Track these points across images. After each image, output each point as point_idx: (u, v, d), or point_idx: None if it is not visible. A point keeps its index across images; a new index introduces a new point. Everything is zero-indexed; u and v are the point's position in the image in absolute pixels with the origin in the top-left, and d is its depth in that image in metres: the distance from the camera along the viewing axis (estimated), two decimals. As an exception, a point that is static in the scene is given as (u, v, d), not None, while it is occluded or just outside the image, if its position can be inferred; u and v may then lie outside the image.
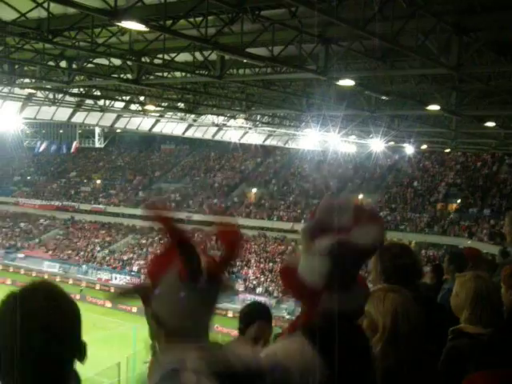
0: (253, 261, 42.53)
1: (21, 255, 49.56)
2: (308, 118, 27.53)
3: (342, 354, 1.68)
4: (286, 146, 45.19)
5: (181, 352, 1.43)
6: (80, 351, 1.38)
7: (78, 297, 33.50)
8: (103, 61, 17.62)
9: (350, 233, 1.79)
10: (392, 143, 35.18)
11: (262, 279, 39.75)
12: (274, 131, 37.43)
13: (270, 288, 38.17)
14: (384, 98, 18.69)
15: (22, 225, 56.76)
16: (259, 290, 38.65)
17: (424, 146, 39.21)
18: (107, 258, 47.30)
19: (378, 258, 2.88)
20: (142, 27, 10.87)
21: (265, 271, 40.45)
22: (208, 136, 37.38)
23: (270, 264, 40.91)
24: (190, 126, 34.42)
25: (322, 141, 36.77)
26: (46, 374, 1.33)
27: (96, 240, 51.08)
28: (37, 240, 53.23)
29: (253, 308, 3.75)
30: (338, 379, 1.68)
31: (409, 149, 38.93)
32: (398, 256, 2.95)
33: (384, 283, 2.77)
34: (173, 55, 15.62)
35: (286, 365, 1.64)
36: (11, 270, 46.30)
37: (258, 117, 30.50)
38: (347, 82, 15.30)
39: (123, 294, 1.68)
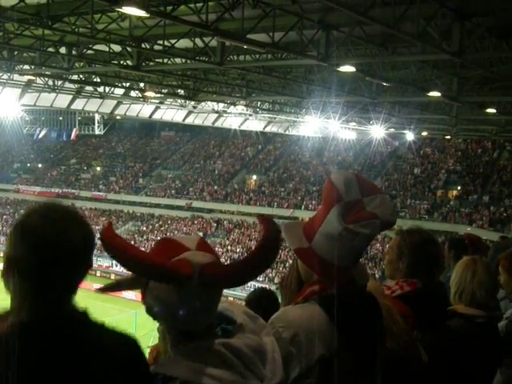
0: (253, 248, 42.62)
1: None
2: (308, 105, 27.47)
3: (356, 321, 1.79)
4: (287, 132, 45.12)
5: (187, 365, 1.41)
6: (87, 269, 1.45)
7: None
8: (103, 47, 17.51)
9: (366, 206, 1.87)
10: (392, 130, 35.14)
11: (263, 266, 39.89)
12: (275, 118, 37.36)
13: (270, 275, 38.30)
14: (385, 84, 18.63)
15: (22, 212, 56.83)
16: (260, 277, 38.77)
17: (424, 133, 39.16)
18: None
19: (407, 242, 2.75)
20: (142, 13, 10.78)
21: (265, 258, 40.56)
22: (208, 123, 37.33)
23: (271, 251, 40.98)
24: (190, 112, 34.36)
25: (323, 127, 36.72)
26: (57, 287, 1.40)
27: (96, 227, 51.10)
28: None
29: (260, 295, 3.67)
30: (351, 344, 1.77)
31: (409, 135, 38.88)
32: (430, 243, 2.83)
33: (405, 266, 2.72)
34: (173, 41, 15.55)
35: (296, 327, 1.74)
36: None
37: (259, 103, 30.43)
38: (348, 68, 15.23)
39: (112, 289, 1.64)
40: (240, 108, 31.15)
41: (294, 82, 21.71)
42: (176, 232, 46.47)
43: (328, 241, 1.83)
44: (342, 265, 1.82)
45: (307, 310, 1.80)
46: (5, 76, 23.15)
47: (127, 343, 1.48)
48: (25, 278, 1.38)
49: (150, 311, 1.49)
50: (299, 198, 46.80)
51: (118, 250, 1.41)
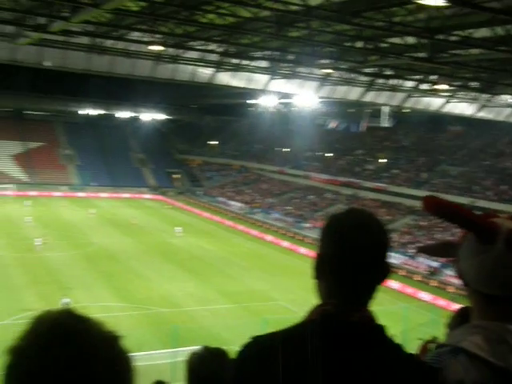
0: None
1: (307, 225, 53.36)
2: None
3: None
4: None
5: (471, 333, 1.41)
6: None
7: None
8: (396, 40, 17.88)
9: None
10: None
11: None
12: None
13: None
14: None
15: (310, 197, 61.14)
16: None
17: None
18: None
19: None
20: (440, 2, 10.81)
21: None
22: (501, 117, 34.91)
23: None
24: (482, 106, 32.60)
25: None
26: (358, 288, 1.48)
27: (376, 218, 52.13)
28: (321, 213, 56.80)
29: None
30: None
31: None
32: None
33: None
34: (470, 31, 15.08)
35: None
36: (298, 237, 50.21)
37: None
38: None
39: (427, 251, 1.74)
40: (541, 102, 28.43)
41: None
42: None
43: None
44: None
45: None
46: (306, 70, 25.31)
47: (421, 371, 1.42)
48: (333, 277, 1.42)
49: (459, 275, 1.54)
50: None
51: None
